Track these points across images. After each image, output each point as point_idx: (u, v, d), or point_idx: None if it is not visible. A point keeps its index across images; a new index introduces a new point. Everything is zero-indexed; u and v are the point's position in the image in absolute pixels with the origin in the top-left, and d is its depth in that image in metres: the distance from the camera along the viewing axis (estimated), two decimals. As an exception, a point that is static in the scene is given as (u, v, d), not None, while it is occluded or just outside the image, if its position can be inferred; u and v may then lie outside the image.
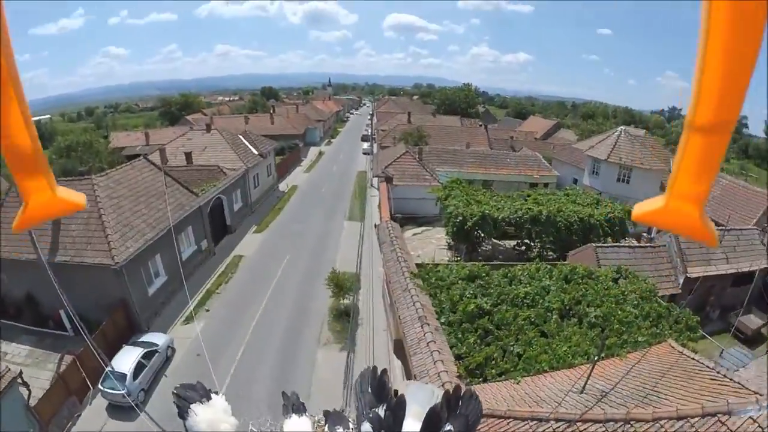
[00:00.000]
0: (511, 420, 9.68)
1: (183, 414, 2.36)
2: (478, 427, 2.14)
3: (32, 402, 15.73)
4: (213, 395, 2.48)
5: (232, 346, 21.44)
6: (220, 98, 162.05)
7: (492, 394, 11.59)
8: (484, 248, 30.70)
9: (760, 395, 8.17)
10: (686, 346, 13.82)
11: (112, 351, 18.95)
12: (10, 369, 15.02)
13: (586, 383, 10.41)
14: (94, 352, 15.29)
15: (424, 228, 36.52)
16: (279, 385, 19.01)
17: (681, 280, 24.11)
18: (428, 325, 14.30)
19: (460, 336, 15.11)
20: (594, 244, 24.52)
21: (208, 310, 24.43)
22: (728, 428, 7.77)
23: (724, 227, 27.56)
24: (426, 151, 44.45)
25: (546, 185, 43.29)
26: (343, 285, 24.06)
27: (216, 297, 25.87)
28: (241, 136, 42.63)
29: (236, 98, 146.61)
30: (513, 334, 14.89)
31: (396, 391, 2.07)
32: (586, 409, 9.10)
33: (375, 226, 26.94)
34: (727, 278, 25.58)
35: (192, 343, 21.18)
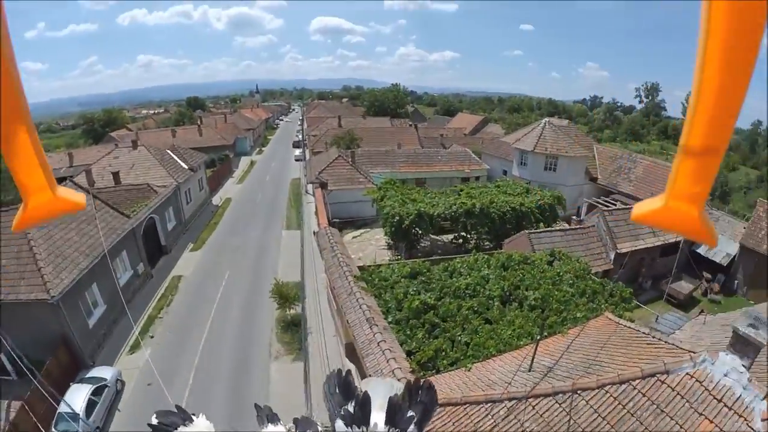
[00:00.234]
0: (467, 405, 10.02)
1: None
2: (438, 416, 2.44)
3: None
4: (193, 416, 2.54)
5: (183, 370, 20.73)
6: (145, 111, 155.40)
7: (446, 384, 11.92)
8: (422, 245, 31.22)
9: (693, 353, 8.86)
10: (623, 317, 14.81)
11: (59, 391, 17.77)
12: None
13: (532, 362, 10.92)
14: (45, 394, 14.45)
15: (362, 230, 36.70)
16: (236, 404, 18.60)
17: (612, 256, 25.70)
18: (377, 325, 14.48)
19: (408, 332, 15.40)
20: (527, 231, 25.59)
21: (152, 337, 23.42)
22: (668, 385, 8.42)
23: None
24: (358, 153, 44.62)
25: (477, 179, 44.66)
26: (287, 295, 23.75)
27: (159, 322, 24.78)
28: (169, 151, 41.06)
29: (161, 110, 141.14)
30: (459, 325, 15.34)
31: (360, 389, 2.21)
32: (535, 385, 9.55)
33: (314, 233, 26.82)
34: (655, 250, 27.61)
35: (140, 373, 20.36)
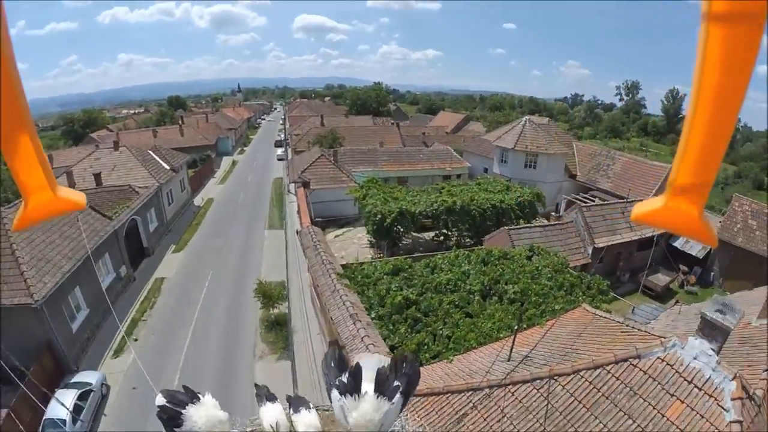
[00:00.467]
0: (449, 394, 10.29)
1: (175, 421, 2.66)
2: (421, 405, 2.90)
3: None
4: (199, 395, 2.83)
5: (168, 372, 20.65)
6: (125, 111, 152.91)
7: (428, 376, 12.17)
8: (404, 242, 31.46)
9: (664, 338, 9.22)
10: (600, 308, 15.18)
11: (45, 397, 17.69)
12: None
13: (511, 351, 11.22)
14: (34, 399, 14.30)
15: (345, 229, 36.81)
16: (222, 404, 18.59)
17: (590, 251, 26.21)
18: (360, 321, 14.64)
19: (391, 327, 15.63)
20: (507, 227, 25.97)
21: (136, 339, 23.25)
22: (640, 369, 8.76)
23: (626, 199, 30.20)
24: (341, 152, 44.67)
25: (458, 177, 45.04)
26: (271, 294, 23.77)
27: (143, 324, 24.56)
28: (151, 152, 40.58)
29: (142, 110, 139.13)
30: (440, 319, 15.62)
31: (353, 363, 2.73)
32: (512, 371, 9.85)
33: (297, 232, 26.89)
34: (633, 244, 28.25)
35: (124, 376, 20.28)
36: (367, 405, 2.62)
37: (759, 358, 10.32)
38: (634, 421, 8.17)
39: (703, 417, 7.77)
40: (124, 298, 27.08)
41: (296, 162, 45.18)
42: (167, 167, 39.32)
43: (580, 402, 8.80)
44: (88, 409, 17.79)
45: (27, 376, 16.60)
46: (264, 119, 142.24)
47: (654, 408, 8.14)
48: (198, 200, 47.78)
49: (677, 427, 7.83)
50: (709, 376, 8.02)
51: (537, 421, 8.93)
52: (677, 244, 29.77)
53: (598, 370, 9.01)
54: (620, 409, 8.36)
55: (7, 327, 18.85)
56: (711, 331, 8.18)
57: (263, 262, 31.66)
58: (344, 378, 2.77)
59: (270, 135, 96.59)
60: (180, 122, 77.13)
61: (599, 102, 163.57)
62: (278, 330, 23.43)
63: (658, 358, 8.63)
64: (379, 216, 27.91)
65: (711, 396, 7.90)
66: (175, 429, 2.69)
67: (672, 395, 8.13)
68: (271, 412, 2.98)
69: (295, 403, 3.09)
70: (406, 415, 3.11)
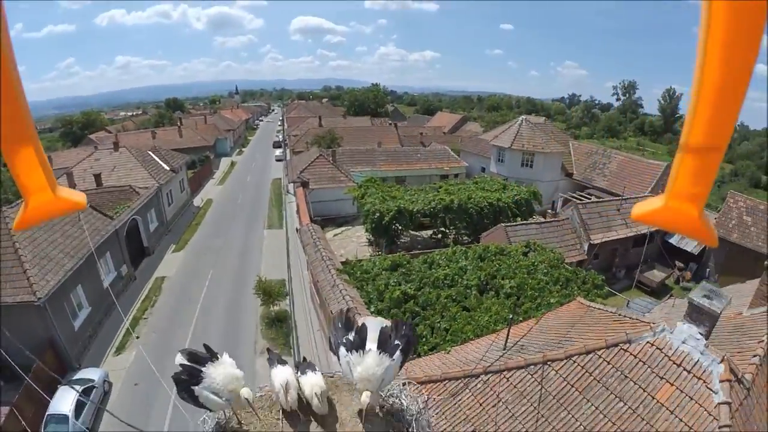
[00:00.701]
0: (446, 381, 10.58)
1: (195, 378, 3.10)
2: (419, 393, 3.34)
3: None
4: (218, 354, 3.30)
5: (169, 370, 20.79)
6: (123, 113, 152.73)
7: (426, 365, 12.43)
8: (403, 241, 31.71)
9: (654, 323, 9.50)
10: (595, 302, 15.41)
11: (47, 394, 17.86)
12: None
13: (506, 340, 11.48)
14: (39, 391, 14.48)
15: (343, 228, 37.08)
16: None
17: (586, 247, 26.46)
18: (359, 315, 14.88)
19: (389, 321, 15.85)
20: (504, 224, 26.18)
21: (138, 337, 23.52)
22: (630, 353, 9.04)
23: (621, 197, 30.51)
24: (339, 153, 44.94)
25: (456, 176, 45.33)
26: (271, 291, 24.01)
27: (144, 323, 24.80)
28: (150, 153, 40.78)
29: (139, 112, 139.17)
30: (438, 312, 15.89)
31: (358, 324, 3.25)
32: (505, 353, 10.13)
33: (297, 229, 27.14)
34: (628, 241, 28.47)
35: (126, 373, 20.50)
36: (371, 360, 3.05)
37: (749, 345, 10.55)
38: (625, 404, 8.45)
39: (692, 399, 8.04)
40: (125, 296, 27.27)
41: (295, 162, 45.40)
42: (167, 168, 39.53)
43: (572, 386, 9.08)
44: (91, 406, 17.89)
45: (26, 375, 16.83)
46: (262, 120, 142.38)
47: (644, 391, 8.41)
48: (197, 201, 47.97)
49: (667, 409, 8.10)
50: (698, 360, 8.28)
51: (531, 404, 9.23)
52: (673, 240, 30.04)
53: (590, 355, 9.29)
54: (611, 392, 8.64)
55: (10, 325, 18.97)
56: (698, 315, 8.45)
57: (263, 261, 31.89)
58: (350, 337, 3.20)
59: (268, 136, 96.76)
60: (179, 123, 77.29)
61: (596, 102, 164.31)
62: (278, 327, 23.65)
63: (647, 342, 8.90)
64: (378, 214, 28.19)
65: (700, 378, 8.16)
66: (194, 387, 3.01)
67: (662, 378, 8.39)
68: (282, 374, 3.33)
69: (303, 367, 3.46)
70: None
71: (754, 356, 9.43)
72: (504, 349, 11.36)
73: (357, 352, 3.12)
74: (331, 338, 3.47)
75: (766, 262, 13.28)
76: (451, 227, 30.01)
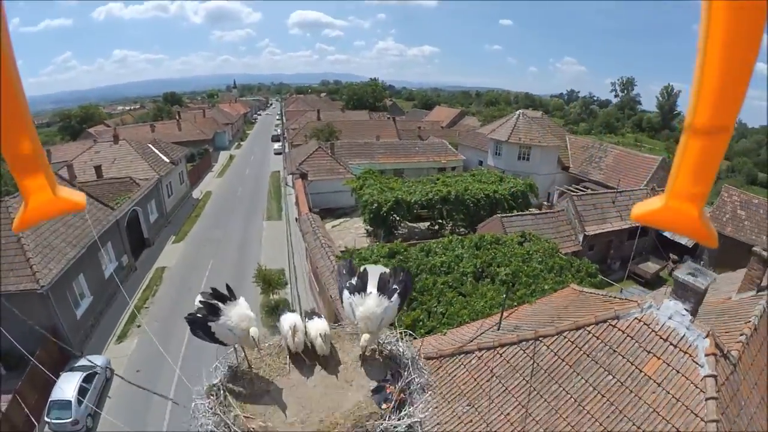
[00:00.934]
0: (441, 358, 10.90)
1: (211, 317, 3.43)
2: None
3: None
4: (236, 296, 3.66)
5: (171, 357, 21.10)
6: (120, 108, 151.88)
7: (423, 347, 12.71)
8: (400, 232, 31.95)
9: (641, 300, 9.84)
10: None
11: (50, 381, 18.11)
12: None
13: (500, 321, 11.80)
14: (46, 374, 14.67)
15: (342, 219, 37.32)
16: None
17: (581, 238, 26.80)
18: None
19: (386, 305, 16.16)
20: (500, 215, 26.45)
21: (139, 326, 23.77)
22: (618, 329, 9.38)
23: (616, 189, 30.84)
24: (338, 145, 45.15)
25: (453, 169, 45.58)
26: (271, 280, 24.26)
27: (145, 312, 25.11)
28: (150, 145, 41.01)
29: (137, 107, 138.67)
30: (435, 297, 16.22)
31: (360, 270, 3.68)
32: (502, 335, 10.45)
33: (296, 219, 27.41)
34: (623, 233, 28.79)
35: (128, 360, 20.80)
36: (371, 301, 3.44)
37: (736, 326, 10.89)
38: (613, 377, 8.79)
39: (678, 372, 8.36)
40: (126, 286, 27.48)
41: (293, 155, 45.59)
42: (167, 160, 39.78)
43: (563, 360, 9.41)
44: (93, 391, 18.21)
45: (28, 363, 17.06)
46: (260, 114, 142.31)
47: (632, 364, 8.74)
48: (197, 193, 48.23)
49: (654, 382, 8.43)
50: (684, 334, 8.60)
51: (524, 378, 9.57)
52: (667, 233, 30.39)
53: (580, 331, 9.62)
54: (600, 366, 8.98)
55: (13, 312, 19.31)
56: (684, 292, 8.75)
57: (262, 252, 32.11)
58: (353, 281, 3.60)
59: (266, 130, 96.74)
60: (177, 117, 77.31)
61: (595, 98, 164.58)
62: (278, 314, 23.86)
63: (635, 318, 9.23)
64: (376, 205, 28.44)
65: (686, 353, 8.48)
66: (210, 323, 3.35)
67: (649, 352, 8.72)
68: (290, 318, 3.78)
69: (309, 314, 3.94)
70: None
71: (741, 335, 9.77)
72: (498, 329, 11.68)
73: (359, 294, 3.50)
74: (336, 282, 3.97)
75: (752, 249, 13.58)
76: (448, 218, 30.28)
